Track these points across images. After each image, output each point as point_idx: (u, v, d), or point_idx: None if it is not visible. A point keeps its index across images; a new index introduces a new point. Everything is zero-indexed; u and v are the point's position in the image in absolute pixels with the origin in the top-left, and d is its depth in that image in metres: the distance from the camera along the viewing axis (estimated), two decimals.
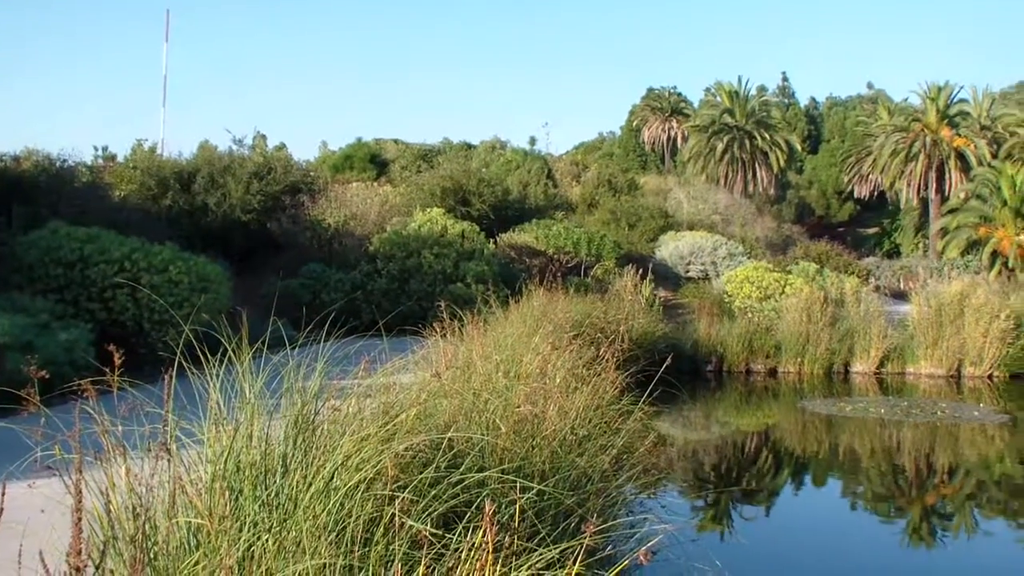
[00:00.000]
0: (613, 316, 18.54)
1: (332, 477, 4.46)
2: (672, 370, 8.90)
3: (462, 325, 10.71)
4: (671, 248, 35.05)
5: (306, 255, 27.31)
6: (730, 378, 23.36)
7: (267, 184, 28.49)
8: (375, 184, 40.20)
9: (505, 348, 9.56)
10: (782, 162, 59.86)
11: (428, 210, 29.44)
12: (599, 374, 9.73)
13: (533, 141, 70.03)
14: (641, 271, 26.08)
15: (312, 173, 33.76)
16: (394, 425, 5.04)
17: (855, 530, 11.73)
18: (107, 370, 4.50)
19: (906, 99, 68.11)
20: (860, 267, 39.08)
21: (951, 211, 49.42)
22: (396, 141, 61.42)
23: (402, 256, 25.70)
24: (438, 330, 9.87)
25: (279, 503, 4.39)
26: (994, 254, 43.36)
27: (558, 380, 8.50)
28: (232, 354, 5.10)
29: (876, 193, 65.25)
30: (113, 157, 40.82)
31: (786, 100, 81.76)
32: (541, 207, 38.37)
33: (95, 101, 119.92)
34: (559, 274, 22.55)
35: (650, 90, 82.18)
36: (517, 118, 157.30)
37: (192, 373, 5.05)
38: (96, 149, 42.43)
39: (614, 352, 10.12)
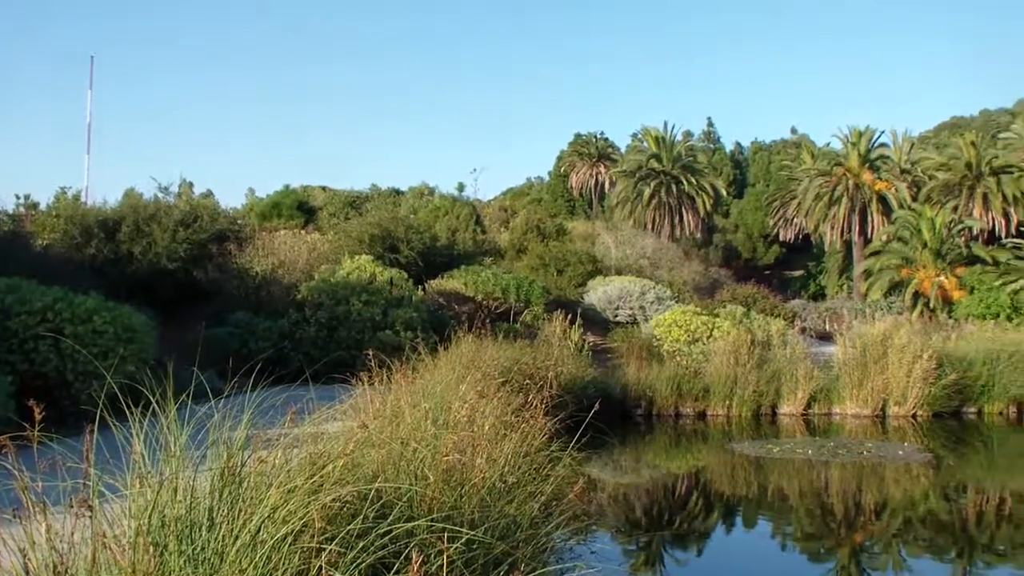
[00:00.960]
0: (542, 362, 18.59)
1: (259, 530, 4.43)
2: (602, 415, 8.97)
3: (391, 373, 10.69)
4: (600, 293, 35.29)
5: (233, 303, 26.96)
6: (660, 422, 23.53)
7: (193, 232, 28.17)
8: (303, 231, 39.94)
9: (434, 396, 9.55)
10: (708, 206, 60.76)
11: (356, 257, 29.33)
12: (528, 420, 9.74)
13: (461, 187, 70.15)
14: (570, 316, 26.24)
15: (239, 221, 33.46)
16: (321, 476, 5.02)
17: (786, 570, 11.85)
18: (27, 424, 4.42)
19: (829, 143, 69.49)
20: (786, 309, 39.66)
21: (874, 253, 50.47)
22: (324, 188, 61.17)
23: (331, 304, 25.54)
24: (367, 378, 9.85)
25: (205, 558, 4.35)
26: (916, 295, 44.29)
27: (487, 427, 8.51)
28: (157, 405, 5.05)
29: (801, 236, 66.28)
30: (35, 205, 40.06)
31: (712, 145, 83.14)
32: (470, 253, 38.43)
33: (17, 148, 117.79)
34: (488, 320, 22.63)
35: (578, 136, 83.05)
36: (446, 164, 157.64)
37: (116, 426, 4.97)
38: (18, 197, 41.58)
39: (543, 398, 10.16)
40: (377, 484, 5.35)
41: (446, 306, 29.19)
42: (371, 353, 10.59)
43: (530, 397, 10.37)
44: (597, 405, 9.59)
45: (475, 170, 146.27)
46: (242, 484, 4.80)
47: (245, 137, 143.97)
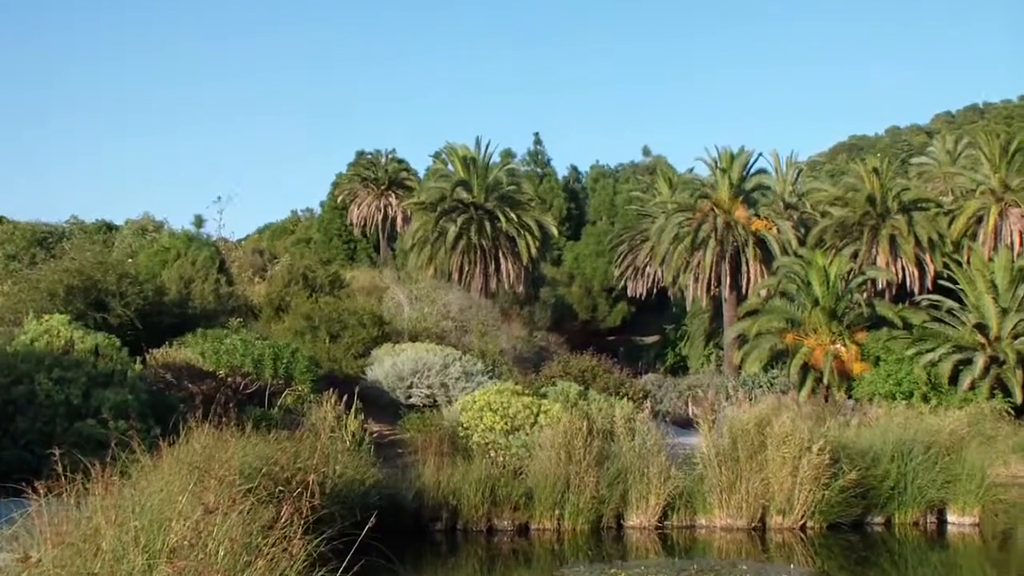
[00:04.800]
0: (305, 461, 18.37)
1: None
2: (388, 530, 8.95)
3: (89, 479, 10.38)
4: (388, 366, 35.23)
5: None
6: (467, 539, 23.48)
7: None
8: None
9: (148, 511, 9.32)
10: (534, 250, 61.36)
11: (46, 317, 28.47)
12: (281, 542, 9.61)
13: (200, 222, 69.04)
14: (347, 397, 26.03)
15: None
16: None
17: None
18: None
19: (692, 169, 71.62)
20: (636, 387, 40.39)
21: (750, 313, 51.96)
22: (1, 219, 59.35)
23: (6, 382, 24.65)
24: (54, 487, 9.54)
25: None
26: (805, 368, 45.73)
27: (221, 553, 8.36)
28: None
29: (656, 290, 67.85)
30: None
31: (540, 169, 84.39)
32: (211, 312, 37.86)
33: None
34: (234, 404, 22.22)
35: (360, 155, 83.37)
36: (178, 191, 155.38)
37: None
38: None
39: (303, 511, 10.06)
40: None
41: (175, 385, 28.58)
42: (63, 451, 10.26)
43: (284, 510, 10.23)
44: (373, 519, 9.53)
45: (219, 199, 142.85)
46: None
47: None
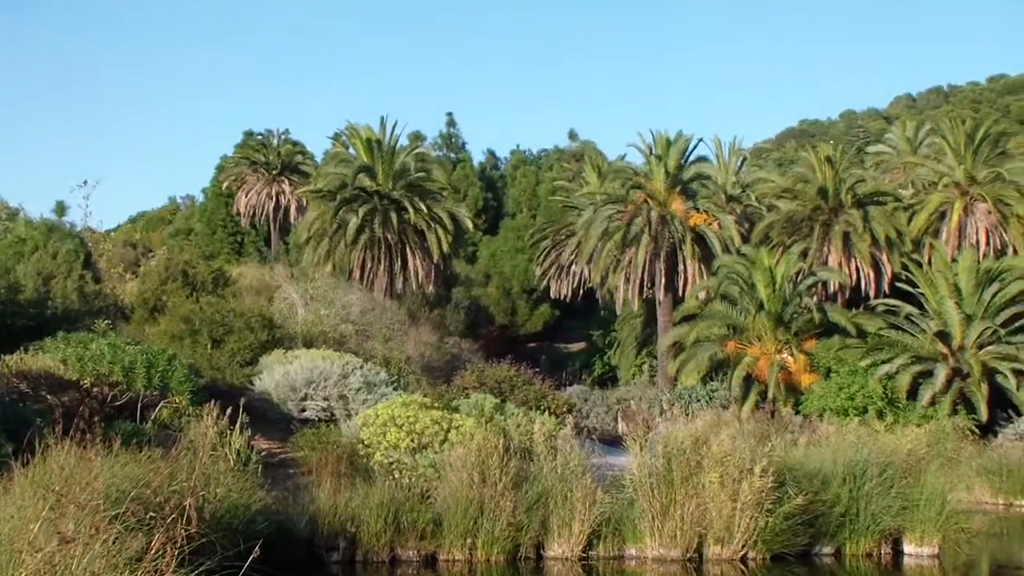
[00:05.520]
0: (182, 483, 18.16)
1: None
2: (278, 561, 8.82)
3: None
4: (279, 375, 35.00)
5: None
6: (367, 571, 23.35)
7: None
8: None
9: None
10: (446, 246, 61.28)
11: None
12: (152, 575, 9.50)
13: (63, 209, 68.33)
14: (231, 411, 25.79)
15: None
16: None
17: None
18: None
19: (624, 156, 71.79)
20: (559, 400, 40.47)
21: (687, 318, 52.26)
22: None
23: None
24: None
25: None
26: (748, 379, 46.02)
27: None
28: None
29: (582, 292, 68.03)
30: None
31: (453, 154, 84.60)
32: (74, 313, 37.45)
33: None
34: (99, 418, 21.93)
35: (249, 136, 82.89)
36: (37, 173, 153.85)
37: None
38: None
39: (178, 539, 9.94)
40: None
41: (31, 396, 28.23)
42: None
43: (156, 539, 10.09)
44: (258, 549, 9.41)
45: (85, 183, 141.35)
46: None
47: None
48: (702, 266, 57.38)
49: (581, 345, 74.30)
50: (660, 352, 57.95)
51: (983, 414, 44.15)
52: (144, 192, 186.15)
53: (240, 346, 37.78)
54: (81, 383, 29.20)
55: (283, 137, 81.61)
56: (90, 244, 51.67)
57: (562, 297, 69.39)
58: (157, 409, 29.11)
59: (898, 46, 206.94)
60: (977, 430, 43.07)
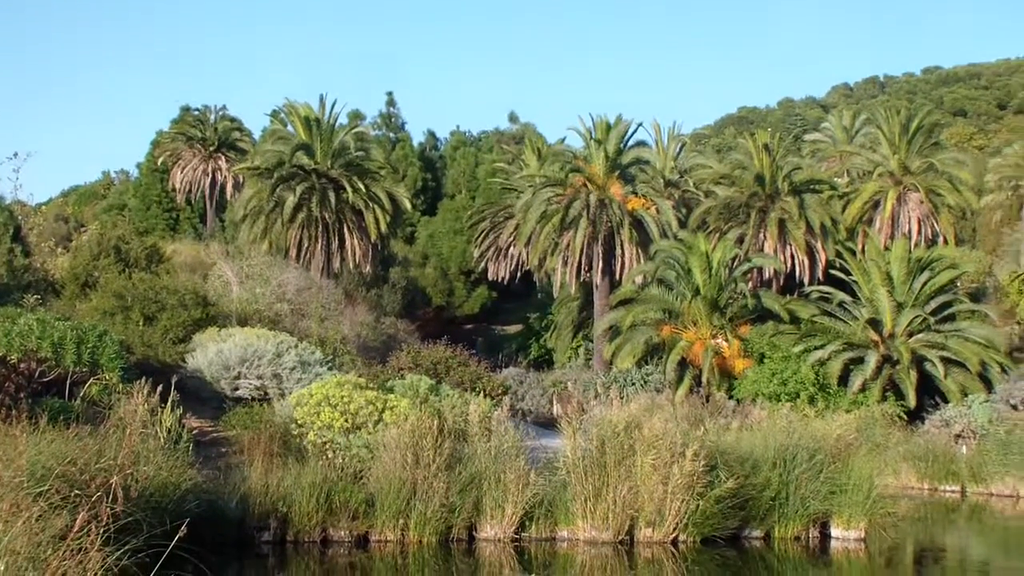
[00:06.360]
0: (110, 460, 17.93)
1: None
2: (207, 541, 8.67)
3: None
4: (212, 353, 34.74)
5: None
6: (298, 552, 23.18)
7: None
8: None
9: None
10: (384, 226, 60.97)
11: None
12: (75, 555, 9.32)
13: None
14: (163, 388, 25.53)
15: None
16: None
17: None
18: None
19: (563, 139, 71.84)
20: (495, 382, 40.42)
21: (624, 302, 52.30)
22: None
23: None
24: None
25: None
26: (683, 364, 46.20)
27: (1, 568, 8.05)
28: None
29: (520, 275, 68.04)
30: None
31: (393, 134, 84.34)
32: (1, 287, 37.07)
33: None
34: (26, 394, 21.67)
35: (186, 111, 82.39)
36: None
37: None
38: None
39: (103, 517, 9.78)
40: None
41: None
42: None
43: (80, 516, 9.90)
44: (184, 528, 9.26)
45: (15, 155, 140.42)
46: None
47: None
48: (639, 250, 57.46)
49: (518, 327, 74.35)
50: (596, 335, 57.97)
51: (911, 401, 44.49)
52: (78, 166, 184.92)
53: (173, 323, 37.46)
54: (8, 359, 28.83)
55: (220, 113, 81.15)
56: (20, 217, 51.16)
57: (500, 279, 69.36)
58: (86, 386, 28.76)
59: (837, 36, 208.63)
60: (905, 416, 43.44)
